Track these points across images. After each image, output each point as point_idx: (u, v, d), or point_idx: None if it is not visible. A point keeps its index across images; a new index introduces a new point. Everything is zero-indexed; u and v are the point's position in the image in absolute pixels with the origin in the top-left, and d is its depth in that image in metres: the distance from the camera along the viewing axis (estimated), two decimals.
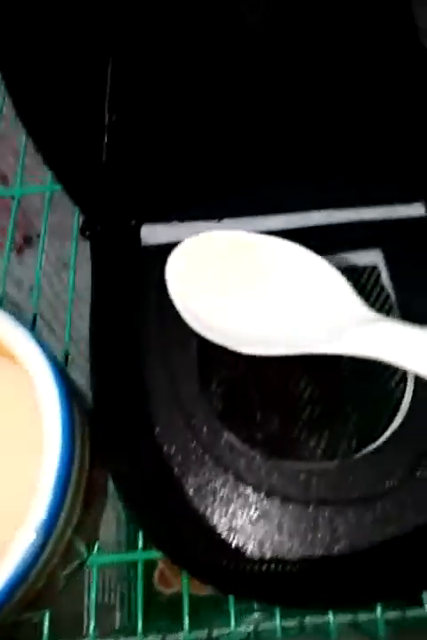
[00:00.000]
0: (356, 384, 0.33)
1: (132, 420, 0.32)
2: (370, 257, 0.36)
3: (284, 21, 0.40)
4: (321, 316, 0.23)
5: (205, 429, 0.30)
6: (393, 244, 0.35)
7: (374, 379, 0.31)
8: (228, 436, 0.30)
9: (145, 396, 0.32)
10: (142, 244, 0.38)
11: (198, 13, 0.41)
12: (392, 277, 0.34)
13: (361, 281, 0.36)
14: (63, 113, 0.38)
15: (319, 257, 0.25)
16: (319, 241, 0.36)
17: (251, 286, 0.25)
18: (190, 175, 0.39)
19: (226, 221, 0.38)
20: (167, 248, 0.37)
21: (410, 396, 0.30)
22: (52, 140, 0.37)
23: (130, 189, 0.39)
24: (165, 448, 0.30)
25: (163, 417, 0.31)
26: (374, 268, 0.36)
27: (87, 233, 0.37)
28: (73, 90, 0.38)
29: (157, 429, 0.31)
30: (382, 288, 0.35)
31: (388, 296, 0.34)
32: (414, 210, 0.37)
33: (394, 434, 0.29)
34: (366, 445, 0.30)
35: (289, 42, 0.40)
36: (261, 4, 0.40)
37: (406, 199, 0.37)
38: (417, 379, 0.29)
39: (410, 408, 0.30)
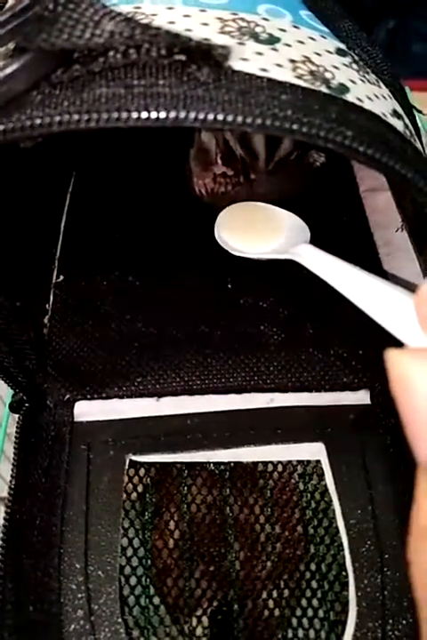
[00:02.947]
0: None
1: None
2: (313, 450, 0.34)
3: None
4: (287, 239, 0.33)
5: None
6: (336, 438, 0.33)
7: None
8: None
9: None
10: (75, 420, 0.36)
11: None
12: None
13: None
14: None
15: (296, 216, 0.35)
16: (260, 428, 0.35)
17: (254, 225, 0.36)
18: (133, 353, 0.37)
19: (165, 400, 0.36)
20: (98, 426, 0.35)
21: None
22: None
23: (68, 364, 0.37)
24: None
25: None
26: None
27: (18, 409, 0.35)
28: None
29: None
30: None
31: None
32: (359, 397, 0.35)
33: None
34: None
35: None
36: None
37: (352, 386, 0.35)
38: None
39: None
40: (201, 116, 0.18)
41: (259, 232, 0.35)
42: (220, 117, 0.18)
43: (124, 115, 0.18)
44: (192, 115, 0.18)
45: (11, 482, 0.32)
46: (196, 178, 0.44)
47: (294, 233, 0.33)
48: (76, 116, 0.18)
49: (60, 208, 0.46)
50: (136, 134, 0.43)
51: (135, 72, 0.19)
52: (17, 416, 0.35)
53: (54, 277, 0.42)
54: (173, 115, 0.18)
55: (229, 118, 0.18)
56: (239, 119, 0.18)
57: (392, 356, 0.14)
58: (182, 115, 0.18)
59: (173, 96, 0.18)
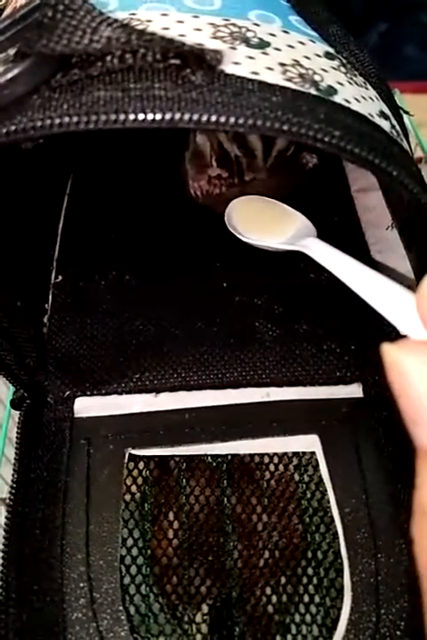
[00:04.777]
0: None
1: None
2: (308, 442, 0.34)
3: None
4: (295, 234, 0.35)
5: None
6: (330, 430, 0.34)
7: None
8: None
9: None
10: (75, 415, 0.36)
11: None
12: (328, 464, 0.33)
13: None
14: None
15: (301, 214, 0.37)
16: (256, 421, 0.35)
17: (265, 218, 0.38)
18: (132, 349, 0.38)
19: (163, 395, 0.37)
20: (98, 422, 0.36)
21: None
22: None
23: (68, 362, 0.38)
24: None
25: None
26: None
27: (20, 405, 0.36)
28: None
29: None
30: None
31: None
32: (351, 390, 0.36)
33: None
34: None
35: None
36: None
37: (345, 380, 0.36)
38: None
39: None
40: (195, 118, 0.19)
41: (270, 224, 0.37)
42: (213, 118, 0.19)
43: (122, 116, 0.19)
44: (187, 116, 0.19)
45: (13, 475, 0.33)
46: (191, 180, 0.45)
47: (301, 228, 0.35)
48: (75, 118, 0.19)
49: (57, 210, 0.46)
50: (132, 137, 0.44)
51: (132, 76, 0.20)
52: (17, 420, 0.36)
53: (53, 277, 0.43)
54: (168, 116, 0.19)
55: (222, 119, 0.19)
56: (232, 120, 0.19)
57: (387, 349, 0.15)
58: (177, 116, 0.19)
59: (169, 98, 0.19)
